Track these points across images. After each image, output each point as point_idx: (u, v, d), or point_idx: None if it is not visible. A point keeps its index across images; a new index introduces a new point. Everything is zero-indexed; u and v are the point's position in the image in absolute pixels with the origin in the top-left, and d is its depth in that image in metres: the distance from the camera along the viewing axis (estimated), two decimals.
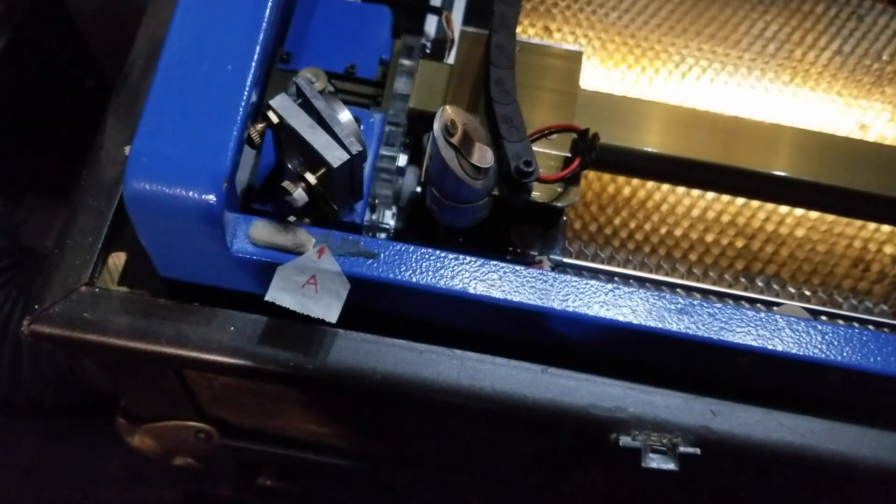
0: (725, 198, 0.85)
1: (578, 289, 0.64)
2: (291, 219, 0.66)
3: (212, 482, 1.15)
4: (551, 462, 0.86)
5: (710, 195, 0.85)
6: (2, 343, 1.15)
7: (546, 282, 0.64)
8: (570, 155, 0.73)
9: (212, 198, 0.59)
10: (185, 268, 0.67)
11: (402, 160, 0.78)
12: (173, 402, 0.81)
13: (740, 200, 0.85)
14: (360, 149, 0.64)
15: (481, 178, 0.68)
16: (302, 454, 0.90)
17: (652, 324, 0.64)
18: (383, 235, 0.76)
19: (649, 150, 0.78)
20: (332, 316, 0.63)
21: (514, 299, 0.64)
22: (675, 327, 0.64)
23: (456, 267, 0.65)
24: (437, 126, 0.66)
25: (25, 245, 1.23)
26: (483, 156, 0.67)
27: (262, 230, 0.65)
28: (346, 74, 0.79)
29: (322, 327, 0.67)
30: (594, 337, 0.66)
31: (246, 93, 0.62)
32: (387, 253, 0.65)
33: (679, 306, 0.65)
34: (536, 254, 0.76)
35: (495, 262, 0.65)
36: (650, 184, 0.85)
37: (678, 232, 0.84)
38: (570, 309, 0.64)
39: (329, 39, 0.80)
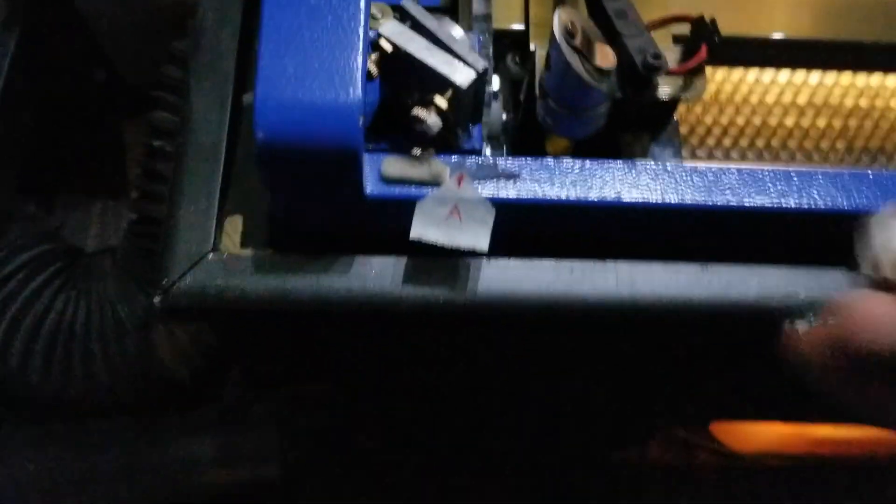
0: (829, 80, 0.82)
1: (741, 179, 0.61)
2: (417, 151, 0.63)
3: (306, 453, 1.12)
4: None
5: (814, 80, 0.82)
6: (71, 346, 1.11)
7: (705, 176, 0.61)
8: (683, 47, 0.70)
9: (349, 135, 0.55)
10: (315, 219, 0.63)
11: (496, 84, 0.75)
12: (296, 365, 0.78)
13: (845, 81, 0.81)
14: (486, 64, 0.60)
15: (605, 80, 0.64)
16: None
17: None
18: None
19: (760, 35, 0.75)
20: (483, 244, 0.60)
21: (674, 200, 0.61)
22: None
23: (603, 175, 0.61)
24: (557, 29, 0.62)
25: (71, 245, 1.19)
26: (606, 56, 0.63)
27: (394, 166, 0.61)
28: None
29: (464, 259, 0.63)
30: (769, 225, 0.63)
31: (363, 19, 0.57)
32: (528, 170, 0.61)
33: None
34: (651, 161, 0.73)
35: (643, 163, 0.62)
36: (751, 77, 0.81)
37: (789, 122, 0.81)
38: (746, 203, 0.60)
39: None
